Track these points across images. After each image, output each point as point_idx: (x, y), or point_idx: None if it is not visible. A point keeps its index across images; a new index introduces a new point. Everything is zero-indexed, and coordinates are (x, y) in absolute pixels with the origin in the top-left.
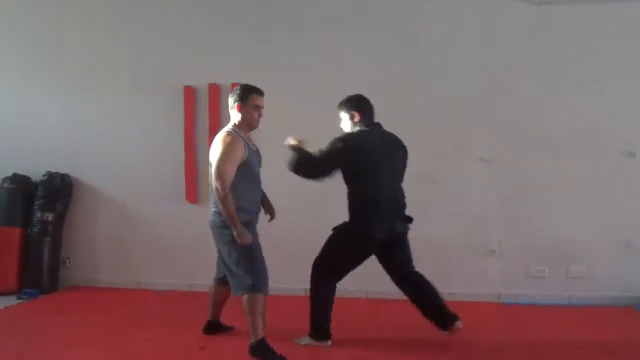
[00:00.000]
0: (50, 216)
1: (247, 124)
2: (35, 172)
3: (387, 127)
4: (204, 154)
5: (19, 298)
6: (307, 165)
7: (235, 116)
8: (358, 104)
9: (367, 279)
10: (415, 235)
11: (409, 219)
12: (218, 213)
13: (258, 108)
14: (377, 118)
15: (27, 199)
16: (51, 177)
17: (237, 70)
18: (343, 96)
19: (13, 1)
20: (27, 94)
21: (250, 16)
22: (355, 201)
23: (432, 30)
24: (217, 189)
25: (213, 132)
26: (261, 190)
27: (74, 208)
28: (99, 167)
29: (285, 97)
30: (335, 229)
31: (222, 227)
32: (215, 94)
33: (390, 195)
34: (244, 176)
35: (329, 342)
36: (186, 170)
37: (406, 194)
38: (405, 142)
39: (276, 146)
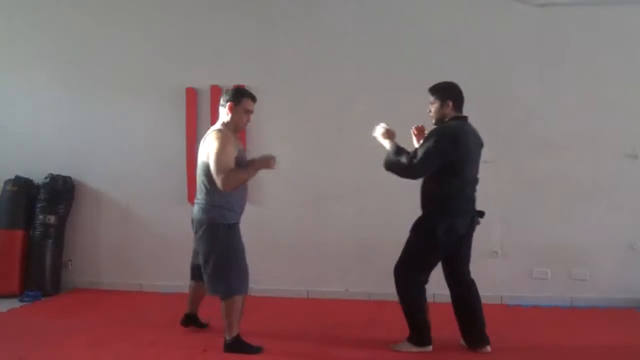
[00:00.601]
0: (52, 219)
1: (235, 125)
2: (38, 174)
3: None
4: None
5: (21, 300)
6: (412, 165)
7: (224, 115)
8: (454, 93)
9: (370, 281)
10: None
11: (481, 214)
12: (204, 210)
13: (248, 112)
14: (377, 120)
15: (29, 201)
16: (53, 179)
17: (239, 72)
18: (344, 98)
19: (15, 5)
20: (30, 97)
21: (252, 18)
22: (438, 196)
23: (433, 32)
24: (221, 182)
25: None
26: (247, 191)
27: (76, 210)
28: (101, 170)
29: (287, 99)
30: (415, 229)
31: (207, 229)
32: (217, 95)
33: (468, 191)
34: None
35: (430, 347)
36: (188, 172)
37: (412, 195)
38: (409, 145)
39: (276, 146)
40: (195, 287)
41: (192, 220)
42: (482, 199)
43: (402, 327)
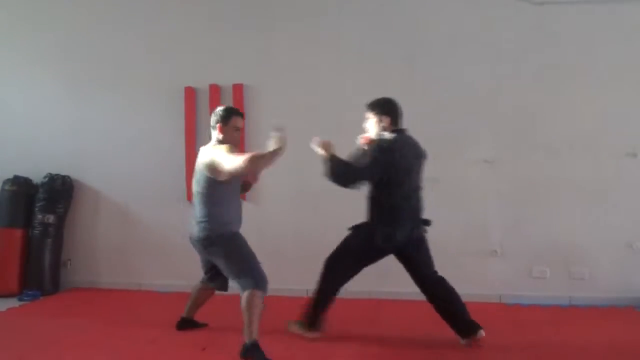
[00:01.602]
0: (51, 218)
1: (227, 143)
2: (36, 174)
3: None
4: None
5: (20, 300)
6: (348, 175)
7: (216, 136)
8: (389, 109)
9: (370, 279)
10: None
11: (427, 222)
12: (204, 228)
13: (237, 129)
14: None
15: (28, 201)
16: (52, 179)
17: (237, 71)
18: (344, 96)
19: (16, 4)
20: (28, 97)
21: (251, 17)
22: (381, 205)
23: (432, 31)
24: (239, 168)
25: None
26: (241, 206)
27: (75, 210)
28: (99, 169)
29: (285, 98)
30: (354, 229)
31: (210, 244)
32: (216, 94)
33: (413, 200)
34: (229, 190)
35: (317, 334)
36: (187, 171)
37: None
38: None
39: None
40: (200, 290)
41: (193, 240)
42: (482, 198)
43: (401, 325)
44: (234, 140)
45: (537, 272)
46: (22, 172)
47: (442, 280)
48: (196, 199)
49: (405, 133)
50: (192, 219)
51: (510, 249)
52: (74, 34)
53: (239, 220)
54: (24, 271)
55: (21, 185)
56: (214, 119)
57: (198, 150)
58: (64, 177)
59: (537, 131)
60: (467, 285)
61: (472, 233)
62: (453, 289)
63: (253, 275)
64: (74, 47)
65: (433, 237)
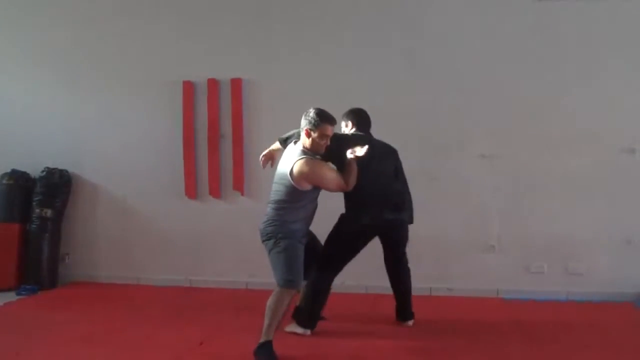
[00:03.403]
0: (49, 212)
1: (312, 150)
2: (34, 168)
3: (387, 124)
4: (203, 149)
5: (18, 294)
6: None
7: (302, 139)
8: (352, 116)
9: (367, 274)
10: (416, 231)
11: (398, 207)
12: (268, 224)
13: (325, 137)
14: (378, 115)
15: (26, 195)
16: (50, 173)
17: (236, 65)
18: (342, 92)
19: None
20: (26, 91)
21: (250, 11)
22: (346, 194)
23: (432, 27)
24: (343, 189)
25: (212, 127)
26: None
27: (73, 204)
28: (97, 163)
29: (285, 92)
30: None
31: (266, 239)
32: (214, 88)
33: (377, 188)
34: (307, 195)
35: (309, 332)
36: (185, 165)
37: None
38: (406, 139)
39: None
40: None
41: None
42: (479, 193)
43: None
44: (319, 148)
45: (534, 268)
46: (20, 166)
47: (404, 267)
48: (272, 197)
49: (366, 134)
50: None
51: (508, 244)
52: (72, 29)
53: (305, 222)
54: (22, 265)
55: (19, 179)
56: (303, 121)
57: (196, 144)
58: (61, 171)
59: (535, 126)
60: (465, 280)
61: (470, 228)
62: (408, 280)
63: (289, 273)
64: (71, 42)
65: (431, 231)
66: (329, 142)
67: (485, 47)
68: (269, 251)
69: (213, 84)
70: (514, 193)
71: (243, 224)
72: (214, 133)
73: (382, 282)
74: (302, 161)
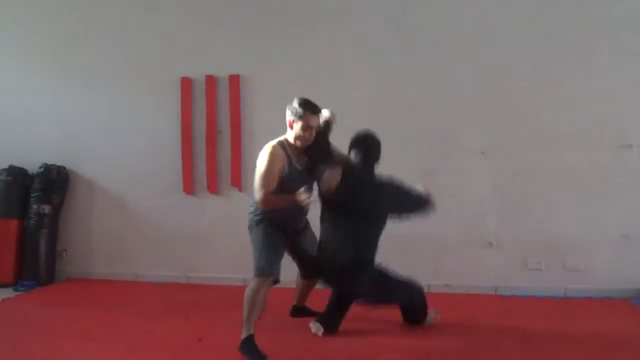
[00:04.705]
0: (46, 208)
1: (296, 142)
2: (32, 164)
3: (385, 120)
4: (201, 145)
5: (15, 290)
6: None
7: (289, 129)
8: (356, 145)
9: None
10: (414, 228)
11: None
12: (251, 213)
13: (309, 128)
14: (376, 112)
15: (23, 191)
16: (47, 169)
17: (234, 62)
18: (341, 88)
19: None
20: (24, 87)
21: (248, 8)
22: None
23: (429, 22)
24: (259, 201)
25: (210, 124)
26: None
27: (71, 200)
28: (95, 159)
29: (283, 89)
30: None
31: (249, 227)
32: (212, 85)
33: (330, 243)
34: (284, 187)
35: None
36: (183, 161)
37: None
38: (404, 135)
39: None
40: (302, 283)
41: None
42: (477, 190)
43: (394, 319)
44: (303, 140)
45: (532, 264)
46: (17, 162)
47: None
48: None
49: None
50: None
51: (506, 240)
52: (69, 25)
53: (289, 213)
54: (20, 261)
55: (16, 176)
56: (287, 112)
57: (193, 140)
58: (59, 167)
59: (532, 123)
60: (463, 277)
61: (468, 225)
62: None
63: (257, 261)
64: (69, 38)
65: (429, 228)
66: (314, 134)
67: (482, 42)
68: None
69: (211, 81)
70: (511, 190)
71: (241, 220)
72: (211, 129)
73: None
74: (266, 146)
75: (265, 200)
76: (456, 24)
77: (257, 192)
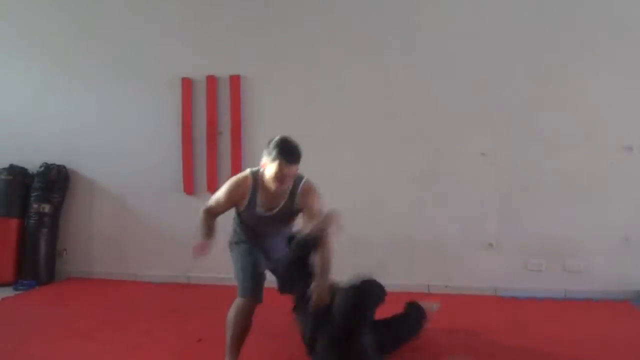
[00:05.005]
0: (46, 208)
1: (267, 181)
2: (32, 163)
3: (385, 121)
4: (201, 145)
5: (15, 289)
6: None
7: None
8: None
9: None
10: (414, 229)
11: None
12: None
13: (281, 177)
14: (376, 112)
15: (24, 190)
16: (48, 168)
17: (235, 62)
18: (341, 90)
19: None
20: (24, 86)
21: (249, 8)
22: None
23: (429, 23)
24: (201, 211)
25: (210, 124)
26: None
27: (71, 200)
28: (95, 159)
29: (283, 90)
30: None
31: (229, 246)
32: (213, 86)
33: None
34: (243, 215)
35: None
36: (183, 161)
37: (405, 188)
38: (405, 137)
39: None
40: None
41: None
42: (477, 191)
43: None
44: (269, 184)
45: (532, 265)
46: (18, 162)
47: None
48: None
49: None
50: None
51: (506, 242)
52: (71, 24)
53: (257, 237)
54: (20, 261)
55: (17, 175)
56: (265, 150)
57: (194, 140)
58: (59, 166)
59: (533, 125)
60: (463, 278)
61: (468, 226)
62: None
63: (238, 283)
64: (69, 38)
65: (429, 229)
66: (288, 183)
67: (483, 43)
68: None
69: (212, 81)
70: (511, 191)
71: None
72: (212, 130)
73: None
74: (241, 172)
75: (202, 215)
76: (456, 24)
77: (207, 209)
